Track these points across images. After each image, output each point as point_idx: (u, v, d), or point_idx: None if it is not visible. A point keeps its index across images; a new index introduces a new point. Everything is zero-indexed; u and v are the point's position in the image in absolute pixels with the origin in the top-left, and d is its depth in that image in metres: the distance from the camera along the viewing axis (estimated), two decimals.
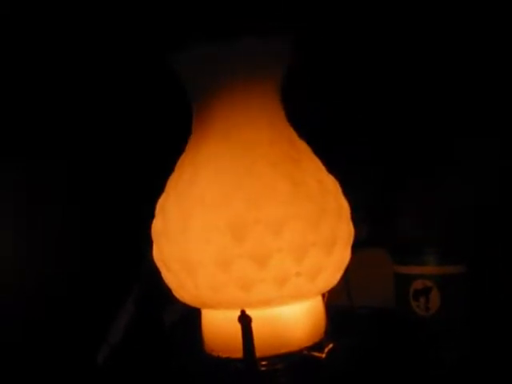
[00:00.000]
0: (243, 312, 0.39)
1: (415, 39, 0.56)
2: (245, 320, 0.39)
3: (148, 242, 0.44)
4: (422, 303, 0.55)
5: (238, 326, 0.39)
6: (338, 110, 0.57)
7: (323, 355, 0.41)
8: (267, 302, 0.39)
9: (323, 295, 0.44)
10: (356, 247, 0.45)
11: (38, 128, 0.53)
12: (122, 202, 0.56)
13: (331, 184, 0.41)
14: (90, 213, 0.56)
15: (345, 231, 0.41)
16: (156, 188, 0.43)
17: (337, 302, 0.49)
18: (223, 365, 0.42)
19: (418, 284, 0.56)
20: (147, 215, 0.43)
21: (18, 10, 0.51)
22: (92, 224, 0.56)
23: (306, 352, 0.41)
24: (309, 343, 0.41)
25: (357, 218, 0.45)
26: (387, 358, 0.51)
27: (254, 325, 0.39)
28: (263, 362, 0.41)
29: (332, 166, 0.44)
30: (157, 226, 0.41)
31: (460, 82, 0.57)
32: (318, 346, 0.42)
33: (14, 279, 0.50)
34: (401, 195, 0.62)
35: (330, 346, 0.42)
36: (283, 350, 0.40)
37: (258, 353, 0.40)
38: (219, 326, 0.42)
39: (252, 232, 0.37)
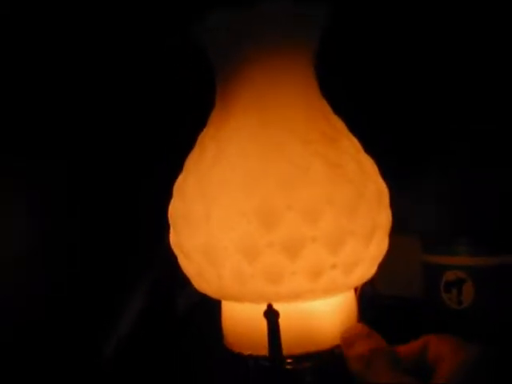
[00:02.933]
0: (270, 306, 0.35)
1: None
2: (272, 315, 0.36)
3: (163, 226, 0.41)
4: (454, 295, 0.52)
5: (263, 321, 0.36)
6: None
7: None
8: (298, 296, 0.35)
9: (355, 288, 0.40)
10: None
11: (43, 118, 0.51)
12: (135, 180, 0.53)
13: (370, 166, 0.37)
14: (98, 189, 0.53)
15: (384, 218, 0.37)
16: (173, 166, 0.39)
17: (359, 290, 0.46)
18: (244, 361, 0.39)
19: (450, 275, 0.52)
20: (163, 196, 0.39)
21: (18, 9, 0.48)
22: (101, 200, 0.53)
23: (337, 350, 0.38)
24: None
25: None
26: None
27: (281, 320, 0.36)
28: (289, 360, 0.37)
29: None
30: (175, 209, 0.37)
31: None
32: None
33: (17, 265, 0.48)
34: (430, 181, 0.58)
35: None
36: (313, 349, 0.37)
37: (285, 351, 0.36)
38: (242, 320, 0.38)
39: (283, 219, 0.33)
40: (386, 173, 0.41)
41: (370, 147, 0.40)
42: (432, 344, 0.35)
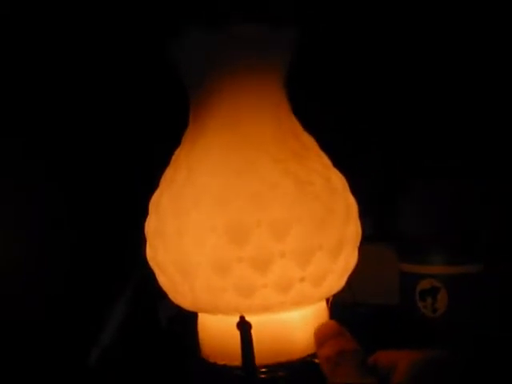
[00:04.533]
0: (242, 318, 0.37)
1: (415, 46, 0.54)
2: (244, 326, 0.37)
3: (141, 240, 0.42)
4: (428, 303, 0.53)
5: (237, 332, 0.37)
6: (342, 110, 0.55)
7: None
8: (268, 309, 0.36)
9: (327, 299, 0.41)
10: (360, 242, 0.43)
11: (35, 126, 0.52)
12: (116, 198, 0.54)
13: (339, 182, 0.38)
14: (84, 209, 0.54)
15: (352, 233, 0.38)
16: (150, 182, 0.41)
17: (338, 299, 0.47)
18: (220, 372, 0.40)
19: (425, 283, 0.54)
20: (142, 212, 0.41)
21: (18, 9, 0.49)
22: (84, 220, 0.54)
23: (309, 359, 0.39)
24: (312, 350, 0.39)
25: (360, 211, 0.43)
26: None
27: (253, 331, 0.37)
28: (263, 370, 0.39)
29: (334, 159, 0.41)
30: (150, 225, 0.39)
31: (462, 84, 0.55)
32: None
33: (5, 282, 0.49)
34: (406, 190, 0.60)
35: None
36: (285, 358, 0.38)
37: (258, 360, 0.37)
38: (216, 331, 0.39)
39: (252, 235, 0.34)
40: (362, 186, 0.42)
41: (344, 161, 0.41)
42: (381, 356, 0.36)
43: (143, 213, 0.40)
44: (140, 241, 0.42)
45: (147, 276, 0.46)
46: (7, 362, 0.48)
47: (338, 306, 0.44)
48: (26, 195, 0.52)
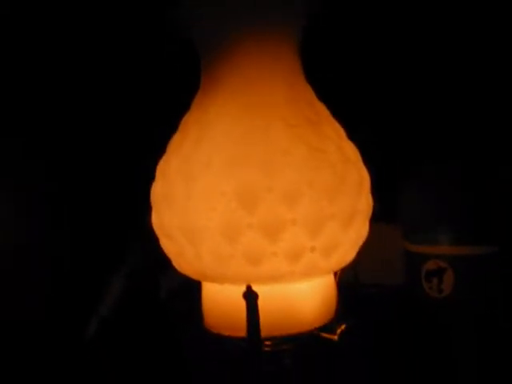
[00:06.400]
0: (249, 287, 0.36)
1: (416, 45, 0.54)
2: (251, 296, 0.36)
3: (145, 208, 0.41)
4: (434, 284, 0.53)
5: (243, 303, 0.36)
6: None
7: (335, 337, 0.38)
8: (277, 278, 0.35)
9: (335, 273, 0.40)
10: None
11: (35, 126, 0.51)
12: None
13: (352, 152, 0.37)
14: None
15: (365, 204, 0.37)
16: (155, 148, 0.40)
17: (342, 279, 0.46)
18: (224, 343, 0.39)
19: (431, 264, 0.53)
20: (145, 179, 0.40)
21: (18, 9, 0.48)
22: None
23: (316, 333, 0.38)
24: (319, 323, 0.38)
25: None
26: (396, 341, 0.49)
27: (260, 302, 0.36)
28: (267, 342, 0.38)
29: None
30: (157, 190, 0.38)
31: (462, 84, 0.54)
32: (328, 326, 0.39)
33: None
34: (412, 170, 0.59)
35: (343, 327, 0.38)
36: (292, 331, 0.37)
37: (264, 333, 0.36)
38: (221, 301, 0.38)
39: (263, 201, 0.33)
40: (370, 161, 0.41)
41: (356, 135, 0.40)
42: None
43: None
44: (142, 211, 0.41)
45: (148, 249, 0.45)
46: (7, 362, 0.48)
47: (343, 285, 0.44)
48: (25, 195, 0.51)
